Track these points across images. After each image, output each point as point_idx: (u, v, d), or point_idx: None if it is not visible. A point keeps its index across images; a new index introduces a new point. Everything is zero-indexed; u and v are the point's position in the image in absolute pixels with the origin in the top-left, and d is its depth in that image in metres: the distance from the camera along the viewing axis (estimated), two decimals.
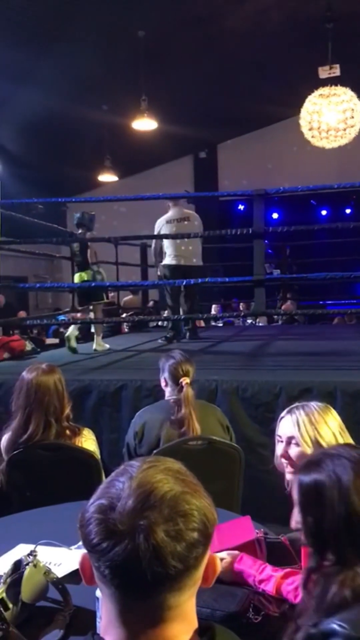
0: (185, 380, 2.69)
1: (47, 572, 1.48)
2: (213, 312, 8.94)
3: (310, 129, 7.82)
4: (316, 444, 1.83)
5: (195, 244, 6.04)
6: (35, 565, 1.45)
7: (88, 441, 2.59)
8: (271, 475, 3.15)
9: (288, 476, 1.92)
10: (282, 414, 1.96)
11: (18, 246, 6.42)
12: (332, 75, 7.67)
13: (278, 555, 1.77)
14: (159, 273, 6.25)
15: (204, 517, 0.82)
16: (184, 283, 5.53)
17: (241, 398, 3.49)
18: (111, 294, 9.39)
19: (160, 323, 8.45)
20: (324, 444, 1.82)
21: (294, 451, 1.87)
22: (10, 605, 1.37)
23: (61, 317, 7.89)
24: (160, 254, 6.09)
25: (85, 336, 6.67)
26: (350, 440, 1.86)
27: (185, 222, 5.99)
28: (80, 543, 0.83)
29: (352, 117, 7.61)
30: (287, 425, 1.91)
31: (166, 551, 0.77)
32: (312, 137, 7.91)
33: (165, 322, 7.15)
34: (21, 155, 10.92)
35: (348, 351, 5.06)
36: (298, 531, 1.31)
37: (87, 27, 7.59)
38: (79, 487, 2.27)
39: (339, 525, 1.21)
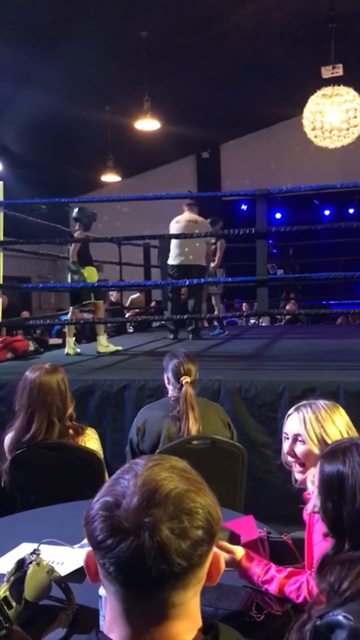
0: (185, 379, 2.71)
1: (50, 570, 1.49)
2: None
3: (313, 129, 7.83)
4: (322, 441, 1.83)
5: (196, 244, 6.06)
6: (38, 564, 1.45)
7: (91, 440, 2.60)
8: (274, 475, 3.16)
9: (296, 474, 1.92)
10: (290, 412, 1.96)
11: (21, 246, 6.43)
12: (335, 75, 7.68)
13: (281, 554, 1.78)
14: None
15: (208, 515, 0.83)
16: (187, 283, 5.54)
17: (244, 398, 3.48)
18: (116, 294, 9.41)
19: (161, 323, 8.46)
20: (330, 442, 1.82)
21: (299, 449, 1.87)
22: (14, 604, 1.37)
23: (64, 317, 7.90)
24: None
25: (89, 337, 6.63)
26: None
27: (192, 224, 6.08)
28: (84, 542, 0.84)
29: (355, 117, 7.61)
30: (293, 422, 1.91)
31: (171, 549, 0.77)
32: (315, 137, 7.91)
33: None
34: (24, 156, 10.95)
35: (351, 351, 5.05)
36: (315, 514, 1.32)
37: (90, 27, 7.60)
38: (82, 486, 2.27)
39: (357, 517, 1.22)
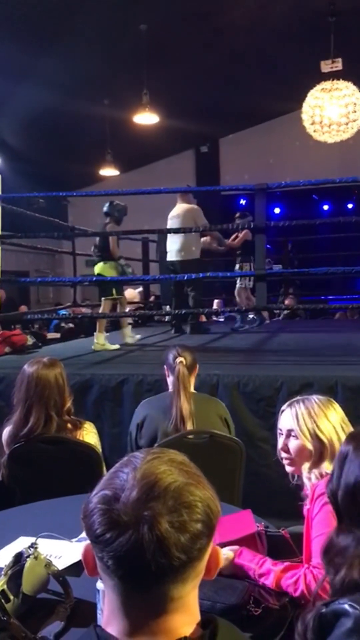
0: (179, 360, 2.78)
1: (48, 564, 1.49)
2: (215, 306, 8.93)
3: (313, 123, 7.81)
4: (315, 437, 1.83)
5: (181, 239, 6.02)
6: (36, 558, 1.45)
7: (89, 434, 2.60)
8: (272, 470, 3.17)
9: (288, 467, 1.93)
10: (283, 407, 1.97)
11: (19, 240, 6.42)
12: (334, 69, 7.65)
13: (278, 548, 1.78)
14: None
15: (207, 508, 0.83)
16: (185, 278, 5.54)
17: (242, 392, 3.49)
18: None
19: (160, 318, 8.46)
20: (323, 437, 1.82)
21: (293, 444, 1.88)
22: (12, 597, 1.37)
23: (62, 312, 7.89)
24: None
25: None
26: None
27: (175, 220, 6.07)
28: (82, 535, 0.84)
29: (355, 112, 7.59)
30: (287, 418, 1.92)
31: (170, 542, 0.77)
32: (314, 131, 7.89)
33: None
34: (22, 150, 10.91)
35: (349, 346, 5.06)
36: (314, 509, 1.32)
37: (89, 21, 7.56)
38: (80, 480, 2.27)
39: (346, 495, 1.23)
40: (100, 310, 5.62)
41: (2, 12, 6.93)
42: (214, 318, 9.30)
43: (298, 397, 1.97)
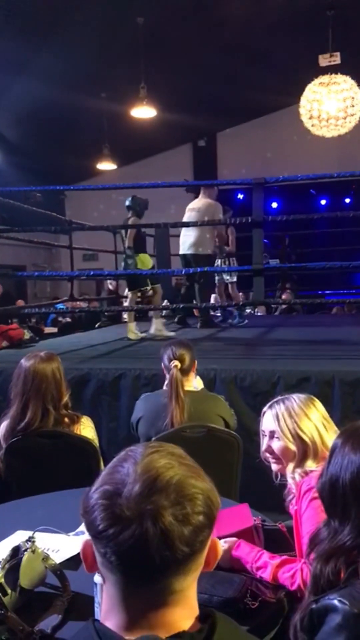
0: (174, 364, 2.71)
1: (46, 558, 1.49)
2: (212, 301, 8.93)
3: (310, 118, 7.78)
4: (297, 437, 1.82)
5: (195, 233, 6.03)
6: (33, 551, 1.46)
7: (87, 429, 2.60)
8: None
9: (274, 467, 1.92)
10: (264, 409, 1.96)
11: (16, 234, 6.40)
12: (332, 63, 7.62)
13: (276, 542, 1.79)
14: None
15: (208, 500, 0.83)
16: (184, 272, 5.54)
17: (240, 387, 3.49)
18: (112, 283, 9.39)
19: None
20: (304, 437, 1.82)
21: (276, 445, 1.87)
22: (9, 591, 1.38)
23: (60, 306, 7.89)
24: None
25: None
26: (336, 430, 1.85)
27: (193, 212, 6.09)
28: (79, 529, 0.84)
29: (353, 106, 7.56)
30: (268, 419, 1.91)
31: (174, 535, 0.78)
32: (312, 125, 7.87)
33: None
34: (20, 144, 10.87)
35: (346, 340, 5.06)
36: (301, 507, 1.34)
37: (86, 14, 7.52)
38: (77, 474, 2.28)
39: (346, 491, 1.24)
40: (127, 302, 5.73)
41: None
42: (212, 313, 9.28)
43: (278, 397, 1.95)
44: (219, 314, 7.41)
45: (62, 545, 1.73)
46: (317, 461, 1.78)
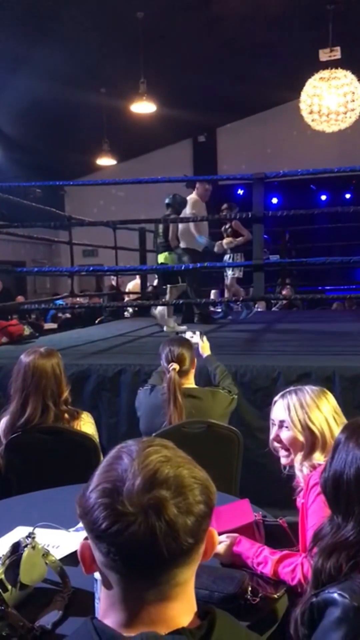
0: (172, 366, 2.67)
1: (46, 554, 1.49)
2: (212, 297, 8.92)
3: (311, 113, 7.76)
4: (306, 428, 1.83)
5: (181, 227, 6.03)
6: (33, 547, 1.45)
7: (87, 425, 2.59)
8: (269, 459, 3.17)
9: (282, 457, 1.93)
10: (276, 398, 1.97)
11: (16, 230, 6.38)
12: (332, 58, 7.60)
13: (276, 538, 1.78)
14: None
15: (206, 489, 0.85)
16: (183, 267, 5.52)
17: (240, 383, 3.48)
18: (112, 279, 9.38)
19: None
20: (314, 428, 1.82)
21: (285, 435, 1.88)
22: (9, 587, 1.37)
23: (59, 302, 7.88)
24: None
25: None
26: None
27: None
28: (79, 525, 0.83)
29: (353, 101, 7.55)
30: (279, 409, 1.92)
31: (179, 526, 0.79)
32: (312, 120, 7.85)
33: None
34: (19, 139, 10.85)
35: (347, 336, 5.06)
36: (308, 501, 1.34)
37: (86, 8, 7.49)
38: (77, 470, 2.27)
39: (350, 487, 1.24)
40: (167, 298, 5.79)
41: None
42: (212, 309, 9.29)
43: (291, 388, 1.96)
44: (219, 310, 7.39)
45: (62, 541, 1.73)
46: (325, 454, 1.78)
